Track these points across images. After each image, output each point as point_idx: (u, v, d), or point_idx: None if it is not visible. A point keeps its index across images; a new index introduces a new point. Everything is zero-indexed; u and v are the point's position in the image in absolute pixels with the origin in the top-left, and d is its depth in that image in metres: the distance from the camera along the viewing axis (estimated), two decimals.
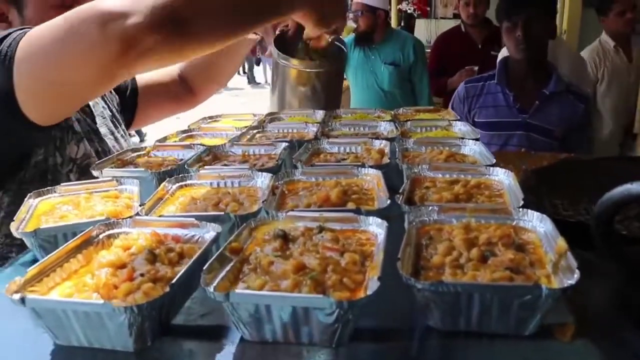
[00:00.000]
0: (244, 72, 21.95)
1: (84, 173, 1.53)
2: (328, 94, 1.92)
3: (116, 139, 1.77)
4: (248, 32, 1.34)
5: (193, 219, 0.99)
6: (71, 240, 0.92)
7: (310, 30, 1.46)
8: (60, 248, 0.89)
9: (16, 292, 0.78)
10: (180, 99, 2.06)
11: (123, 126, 1.88)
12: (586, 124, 2.74)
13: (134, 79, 1.97)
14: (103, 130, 1.72)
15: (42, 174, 1.45)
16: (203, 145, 1.58)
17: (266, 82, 18.02)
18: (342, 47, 1.91)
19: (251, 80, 19.42)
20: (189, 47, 1.17)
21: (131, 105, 1.96)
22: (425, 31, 7.53)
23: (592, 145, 2.85)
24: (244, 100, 15.95)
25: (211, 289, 0.76)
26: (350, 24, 4.39)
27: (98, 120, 1.72)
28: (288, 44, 1.70)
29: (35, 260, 1.06)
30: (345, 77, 4.69)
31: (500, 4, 2.87)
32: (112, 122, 1.80)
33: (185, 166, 1.37)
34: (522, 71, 2.69)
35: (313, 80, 1.84)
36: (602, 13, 4.04)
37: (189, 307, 0.90)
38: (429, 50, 4.95)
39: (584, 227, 1.18)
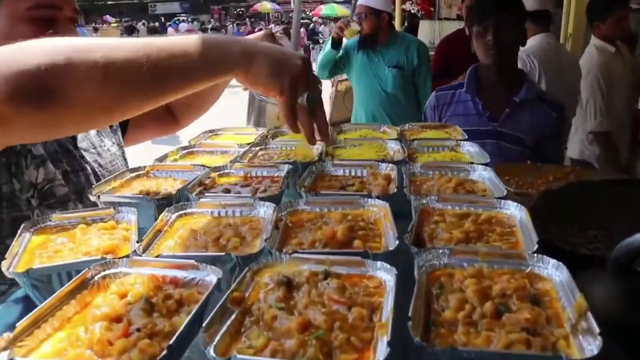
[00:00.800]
0: None
1: (46, 198, 1.48)
2: None
3: (99, 153, 1.70)
4: (171, 98, 1.10)
5: (192, 261, 0.94)
6: (65, 286, 0.88)
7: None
8: (53, 295, 0.85)
9: (4, 349, 0.74)
10: (164, 124, 2.00)
11: (114, 139, 1.82)
12: (558, 133, 2.68)
13: None
14: (84, 144, 1.66)
15: None
16: (204, 166, 1.54)
17: None
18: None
19: None
20: (69, 121, 0.97)
21: (123, 124, 1.90)
22: (429, 32, 7.44)
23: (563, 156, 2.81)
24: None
25: (211, 351, 0.72)
26: (354, 26, 4.33)
27: (80, 135, 1.66)
28: None
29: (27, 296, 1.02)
30: (348, 79, 4.64)
31: (472, 8, 2.80)
32: (98, 136, 1.74)
33: (185, 192, 1.32)
34: (491, 78, 2.63)
35: None
36: (599, 19, 4.03)
37: (188, 357, 0.85)
38: (433, 53, 4.89)
39: (595, 259, 1.14)
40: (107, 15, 37.99)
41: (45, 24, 1.42)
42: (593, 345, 0.69)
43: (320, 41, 21.25)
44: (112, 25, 34.55)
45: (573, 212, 1.53)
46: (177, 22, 30.93)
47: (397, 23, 6.05)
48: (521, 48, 3.62)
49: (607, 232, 1.41)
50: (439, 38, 6.52)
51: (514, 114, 2.52)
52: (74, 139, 1.62)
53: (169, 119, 1.99)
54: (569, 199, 1.74)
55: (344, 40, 4.34)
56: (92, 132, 1.71)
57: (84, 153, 1.64)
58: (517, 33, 2.57)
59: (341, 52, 4.40)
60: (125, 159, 1.85)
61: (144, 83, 1.00)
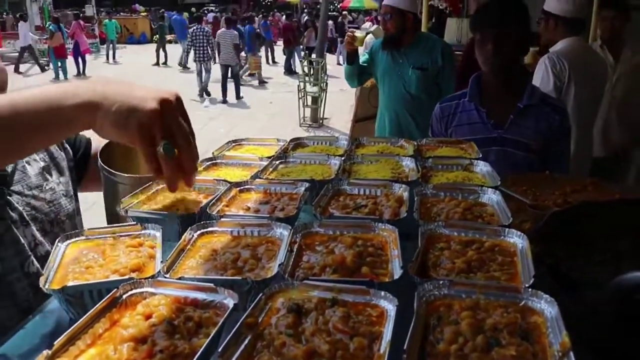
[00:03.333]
0: (274, 62, 22.07)
1: None
2: None
3: (34, 195, 1.53)
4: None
5: (212, 284, 1.03)
6: (97, 305, 0.97)
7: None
8: (87, 314, 0.94)
9: None
10: None
11: (61, 178, 1.68)
12: (563, 136, 2.69)
13: (88, 143, 1.83)
14: (17, 187, 1.50)
15: None
16: (226, 181, 1.62)
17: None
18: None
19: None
20: None
21: (82, 165, 1.81)
22: (456, 30, 7.42)
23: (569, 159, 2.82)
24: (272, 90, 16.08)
25: None
26: (360, 34, 4.37)
27: (17, 176, 1.51)
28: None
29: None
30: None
31: (474, 16, 2.82)
32: (42, 175, 1.60)
33: (207, 210, 1.41)
34: (493, 86, 2.65)
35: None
36: None
37: None
38: (459, 52, 4.90)
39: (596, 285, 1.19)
40: (137, 4, 38.21)
41: None
42: None
43: None
44: (142, 14, 34.87)
45: (581, 234, 1.58)
46: (205, 12, 31.00)
47: (424, 20, 6.04)
48: (552, 49, 3.64)
49: (614, 256, 1.45)
50: (467, 37, 6.50)
51: (518, 119, 2.55)
52: (4, 183, 1.47)
53: None
54: (578, 220, 1.78)
55: (361, 49, 4.38)
56: (33, 172, 1.57)
57: (14, 197, 1.48)
58: (518, 43, 2.57)
59: (366, 56, 4.45)
60: (72, 196, 1.71)
61: None
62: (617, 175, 4.40)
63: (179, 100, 1.13)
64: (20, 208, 1.47)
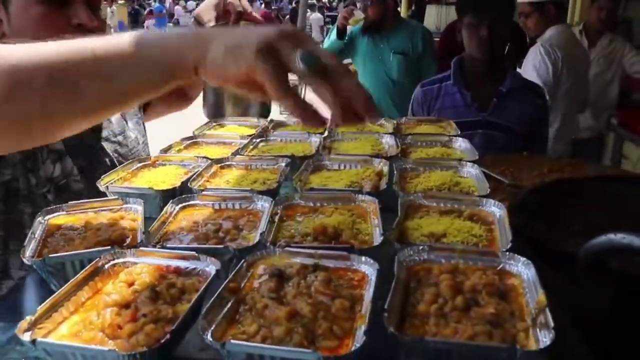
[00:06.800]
0: None
1: (62, 192, 1.50)
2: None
3: (119, 142, 1.71)
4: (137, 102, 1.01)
5: (194, 252, 1.04)
6: (79, 274, 0.97)
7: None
8: (69, 282, 0.95)
9: (27, 330, 0.84)
10: (176, 102, 1.98)
11: (136, 121, 1.82)
12: (544, 119, 2.74)
13: None
14: (105, 133, 1.66)
15: (11, 194, 1.43)
16: (207, 157, 1.62)
17: None
18: None
19: None
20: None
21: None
22: (436, 17, 7.45)
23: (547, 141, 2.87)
24: None
25: (209, 336, 0.81)
26: (358, 14, 4.36)
27: (104, 122, 1.66)
28: None
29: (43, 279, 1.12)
30: (353, 64, 4.69)
31: None
32: (122, 120, 1.74)
33: (189, 184, 1.41)
34: (479, 70, 2.66)
35: None
36: None
37: (189, 340, 0.95)
38: (438, 39, 4.92)
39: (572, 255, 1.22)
40: None
41: (57, 4, 1.40)
42: (547, 338, 0.78)
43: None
44: (120, 2, 34.29)
45: (559, 208, 1.61)
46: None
47: (403, 7, 6.06)
48: (544, 38, 3.69)
49: (589, 228, 1.49)
50: (446, 23, 6.53)
51: (501, 103, 2.57)
52: (96, 130, 1.62)
53: (180, 96, 1.95)
54: (557, 195, 1.81)
55: (349, 28, 4.38)
56: (115, 118, 1.71)
57: (104, 144, 1.66)
58: (510, 28, 2.59)
59: (346, 38, 4.44)
60: (146, 144, 1.85)
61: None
62: (598, 157, 4.53)
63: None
64: (111, 154, 1.62)
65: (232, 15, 1.55)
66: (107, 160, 1.64)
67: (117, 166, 1.60)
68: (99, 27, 1.48)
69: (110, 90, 0.90)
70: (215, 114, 1.68)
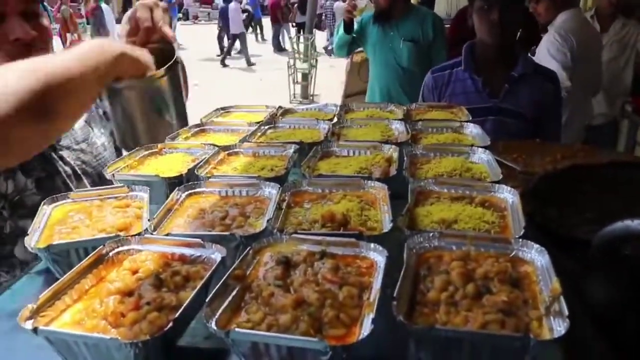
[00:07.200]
0: (263, 39, 21.85)
1: (17, 208, 1.47)
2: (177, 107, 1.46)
3: (82, 149, 1.67)
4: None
5: (199, 239, 1.02)
6: (83, 261, 0.96)
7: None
8: (72, 270, 0.93)
9: (29, 318, 0.82)
10: None
11: (103, 128, 1.78)
12: (557, 104, 2.68)
13: None
14: (66, 142, 1.63)
15: None
16: (214, 145, 1.60)
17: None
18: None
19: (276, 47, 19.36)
20: (54, 131, 1.05)
21: None
22: (446, 4, 7.36)
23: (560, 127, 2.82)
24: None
25: (213, 324, 0.79)
26: (361, 4, 4.31)
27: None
28: None
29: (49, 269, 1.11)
30: (363, 50, 4.63)
31: None
32: (86, 127, 1.70)
33: (195, 171, 1.39)
34: (490, 55, 2.61)
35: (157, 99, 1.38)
36: None
37: (194, 328, 0.93)
38: (449, 26, 4.86)
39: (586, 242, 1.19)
40: None
41: None
42: (562, 327, 0.75)
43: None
44: None
45: (572, 194, 1.58)
46: None
47: None
48: (556, 24, 3.62)
49: (603, 214, 1.45)
50: (457, 10, 6.45)
51: (513, 89, 2.53)
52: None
53: None
54: (569, 181, 1.78)
55: (355, 21, 4.34)
56: (78, 126, 1.69)
57: (64, 152, 1.61)
58: (521, 12, 2.54)
59: (356, 27, 4.40)
60: (116, 147, 1.81)
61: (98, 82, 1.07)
62: (612, 143, 4.47)
63: None
64: (72, 162, 1.58)
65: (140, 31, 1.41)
66: (67, 168, 1.59)
67: (79, 174, 1.59)
68: (40, 37, 1.46)
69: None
70: (128, 140, 1.57)
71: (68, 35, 18.19)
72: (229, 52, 17.01)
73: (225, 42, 17.43)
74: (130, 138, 1.44)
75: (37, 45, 1.44)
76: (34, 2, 1.48)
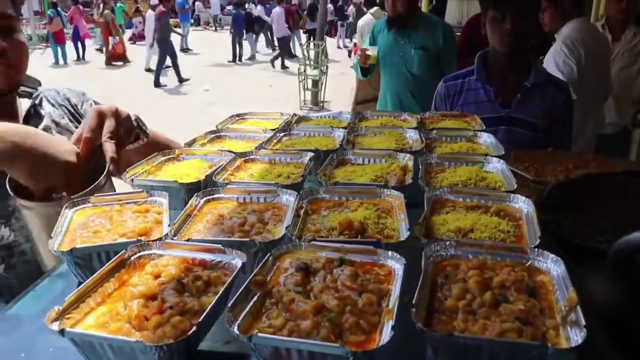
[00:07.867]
0: (273, 46, 21.96)
1: None
2: None
3: None
4: None
5: (220, 245, 1.04)
6: (106, 265, 0.98)
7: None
8: (95, 274, 0.95)
9: (55, 320, 0.84)
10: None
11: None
12: (568, 114, 2.68)
13: None
14: None
15: None
16: (230, 151, 1.62)
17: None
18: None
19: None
20: None
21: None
22: (457, 12, 7.39)
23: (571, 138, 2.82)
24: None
25: (235, 328, 0.81)
26: (373, 51, 4.31)
27: None
28: None
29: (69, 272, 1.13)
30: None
31: None
32: None
33: (213, 178, 1.41)
34: (503, 64, 2.62)
35: None
36: None
37: (214, 333, 0.95)
38: (460, 34, 4.88)
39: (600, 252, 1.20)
40: None
41: None
42: (579, 336, 0.77)
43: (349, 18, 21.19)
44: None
45: (586, 203, 1.58)
46: None
47: (424, 1, 6.00)
48: (563, 34, 3.62)
49: (618, 225, 1.46)
50: (468, 18, 6.47)
51: (525, 98, 2.53)
52: None
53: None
54: (583, 190, 1.79)
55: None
56: None
57: None
58: (534, 21, 2.55)
59: (370, 40, 4.45)
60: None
61: None
62: (624, 153, 4.45)
63: None
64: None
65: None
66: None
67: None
68: (14, 52, 1.48)
69: None
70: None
71: (110, 38, 18.48)
72: (280, 56, 17.81)
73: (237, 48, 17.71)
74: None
75: (10, 58, 1.47)
76: (9, 17, 1.49)
